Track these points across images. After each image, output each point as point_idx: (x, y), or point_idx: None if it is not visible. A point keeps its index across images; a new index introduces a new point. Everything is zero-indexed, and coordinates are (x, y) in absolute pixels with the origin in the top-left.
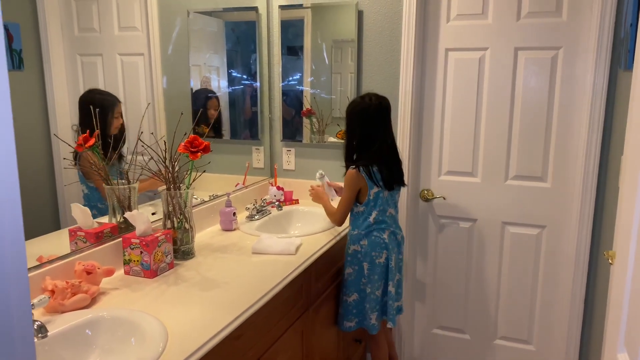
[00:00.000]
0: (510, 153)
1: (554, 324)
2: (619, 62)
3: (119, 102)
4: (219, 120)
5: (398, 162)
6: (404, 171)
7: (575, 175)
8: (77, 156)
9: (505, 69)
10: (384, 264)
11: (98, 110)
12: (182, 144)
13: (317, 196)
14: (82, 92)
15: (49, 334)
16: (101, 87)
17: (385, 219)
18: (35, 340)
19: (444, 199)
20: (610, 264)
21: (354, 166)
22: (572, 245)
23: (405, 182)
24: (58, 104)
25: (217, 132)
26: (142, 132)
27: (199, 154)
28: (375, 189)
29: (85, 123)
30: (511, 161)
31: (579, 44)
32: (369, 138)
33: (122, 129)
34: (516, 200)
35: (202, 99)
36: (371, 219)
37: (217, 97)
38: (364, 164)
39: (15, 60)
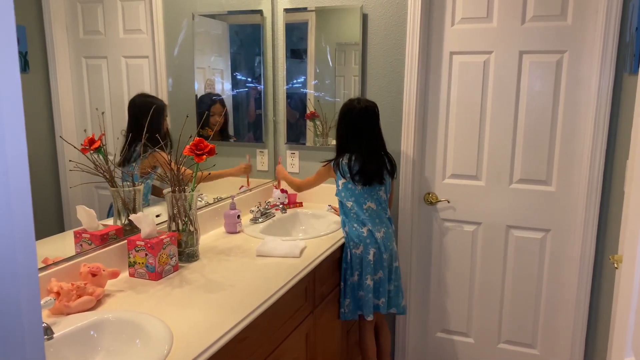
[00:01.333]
0: (514, 156)
1: (559, 328)
2: (625, 66)
3: (166, 105)
4: (223, 123)
5: (380, 162)
6: (410, 174)
7: (580, 179)
8: (131, 160)
9: (509, 73)
10: (358, 255)
11: (155, 113)
12: (188, 146)
13: (280, 174)
14: (87, 94)
15: (54, 335)
16: (105, 90)
17: (360, 212)
18: None
19: (448, 202)
20: (616, 268)
21: (326, 162)
22: (576, 249)
23: (384, 180)
24: (63, 106)
25: (221, 134)
26: (147, 135)
27: (204, 156)
28: (343, 180)
29: (135, 126)
30: (516, 165)
31: (584, 47)
32: (351, 137)
33: (167, 131)
34: (520, 203)
35: (207, 102)
36: (349, 206)
37: (221, 100)
38: (336, 161)
39: (21, 63)
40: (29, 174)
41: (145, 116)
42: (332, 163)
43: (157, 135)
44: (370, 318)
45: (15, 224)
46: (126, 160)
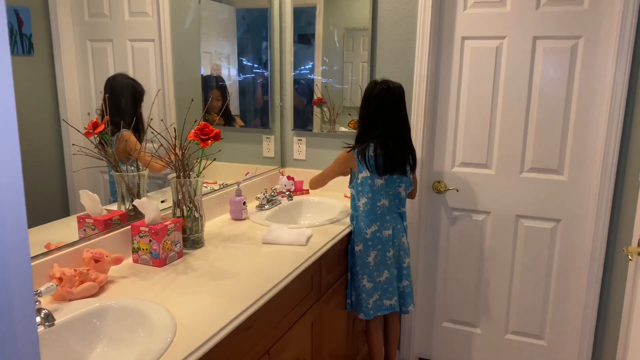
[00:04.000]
0: (526, 145)
1: (567, 320)
2: None
3: (144, 90)
4: (229, 108)
5: (404, 150)
6: (419, 162)
7: (593, 169)
8: (106, 142)
9: (523, 59)
10: (357, 254)
11: (130, 96)
12: (193, 131)
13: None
14: (92, 78)
15: (56, 322)
16: (111, 73)
17: (373, 210)
18: (42, 328)
19: (457, 190)
20: (630, 259)
21: (349, 148)
22: (588, 240)
23: (406, 172)
24: (68, 89)
25: (227, 120)
26: (151, 119)
27: (210, 141)
28: (365, 174)
29: (110, 106)
30: (527, 153)
31: (600, 33)
32: (372, 119)
33: (141, 117)
34: (531, 193)
35: (212, 86)
36: (360, 205)
37: (220, 86)
38: (360, 148)
39: (25, 45)
40: (20, 155)
41: (121, 97)
42: (355, 151)
43: (129, 116)
44: (361, 317)
45: (4, 210)
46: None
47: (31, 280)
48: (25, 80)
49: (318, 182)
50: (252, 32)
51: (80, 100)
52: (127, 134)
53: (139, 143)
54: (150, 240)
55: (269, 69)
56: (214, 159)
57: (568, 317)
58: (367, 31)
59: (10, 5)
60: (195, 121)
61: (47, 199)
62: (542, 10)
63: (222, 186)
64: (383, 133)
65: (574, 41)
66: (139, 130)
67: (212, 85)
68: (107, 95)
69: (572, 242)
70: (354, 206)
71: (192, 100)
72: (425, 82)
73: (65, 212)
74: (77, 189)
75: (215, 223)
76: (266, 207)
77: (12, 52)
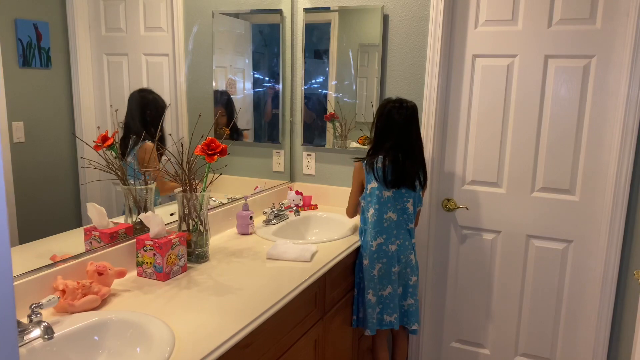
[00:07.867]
0: (537, 164)
1: (579, 343)
2: None
3: (166, 105)
4: (235, 123)
5: (414, 165)
6: (429, 179)
7: (606, 189)
8: (127, 154)
9: (534, 77)
10: (364, 269)
11: (155, 110)
12: (199, 146)
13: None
14: (107, 91)
15: (55, 335)
16: (125, 87)
17: (379, 222)
18: (42, 341)
19: (467, 209)
20: None
21: (359, 160)
22: (600, 262)
23: (415, 188)
24: (83, 102)
25: (237, 134)
26: (160, 134)
27: (216, 156)
28: (373, 184)
29: (135, 120)
30: (538, 172)
31: (613, 52)
32: (383, 135)
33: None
34: (542, 213)
35: (219, 101)
36: (369, 216)
37: (225, 101)
38: (369, 159)
39: (44, 59)
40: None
41: (145, 111)
42: (364, 162)
43: (153, 129)
44: (368, 333)
45: None
46: (124, 153)
47: (12, 287)
48: (42, 93)
49: (350, 208)
50: (265, 47)
51: (95, 113)
52: (150, 145)
53: (157, 158)
54: (154, 254)
55: (280, 84)
56: (220, 174)
57: (579, 340)
58: (379, 47)
59: (30, 20)
60: (202, 136)
61: (60, 210)
62: (554, 29)
63: (230, 200)
64: (394, 146)
65: (586, 60)
66: (162, 144)
67: (220, 100)
68: (130, 108)
69: (583, 263)
70: (363, 219)
71: (200, 115)
72: (435, 99)
73: (77, 223)
74: (89, 200)
75: (221, 237)
76: (273, 221)
77: (30, 65)
